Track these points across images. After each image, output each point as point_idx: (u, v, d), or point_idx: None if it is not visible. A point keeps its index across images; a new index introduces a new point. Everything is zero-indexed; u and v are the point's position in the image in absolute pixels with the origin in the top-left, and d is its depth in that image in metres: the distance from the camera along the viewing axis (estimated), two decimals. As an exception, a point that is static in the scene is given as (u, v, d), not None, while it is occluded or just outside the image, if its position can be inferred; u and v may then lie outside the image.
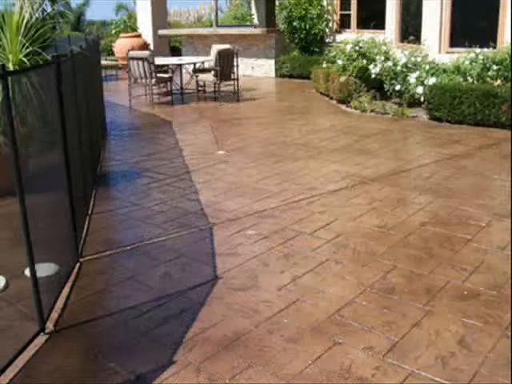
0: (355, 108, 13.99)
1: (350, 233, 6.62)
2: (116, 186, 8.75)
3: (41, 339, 4.62)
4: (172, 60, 17.24)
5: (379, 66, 14.00)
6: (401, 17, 15.87)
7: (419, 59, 13.42)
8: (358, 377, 4.04)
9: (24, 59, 7.59)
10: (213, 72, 15.58)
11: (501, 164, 9.14)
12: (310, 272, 5.65)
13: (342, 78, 14.40)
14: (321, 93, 16.41)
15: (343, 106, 14.52)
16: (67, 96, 5.83)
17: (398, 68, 13.62)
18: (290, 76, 19.79)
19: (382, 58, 14.12)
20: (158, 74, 15.40)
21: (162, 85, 16.60)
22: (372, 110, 13.59)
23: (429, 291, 5.22)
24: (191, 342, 4.52)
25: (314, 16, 18.88)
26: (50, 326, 4.80)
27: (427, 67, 13.01)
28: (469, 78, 12.28)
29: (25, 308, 5.04)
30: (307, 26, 18.84)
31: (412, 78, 13.03)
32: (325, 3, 19.21)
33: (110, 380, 4.08)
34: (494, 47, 12.70)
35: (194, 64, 16.72)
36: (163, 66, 16.24)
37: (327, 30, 19.38)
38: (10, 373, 4.18)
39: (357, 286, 5.35)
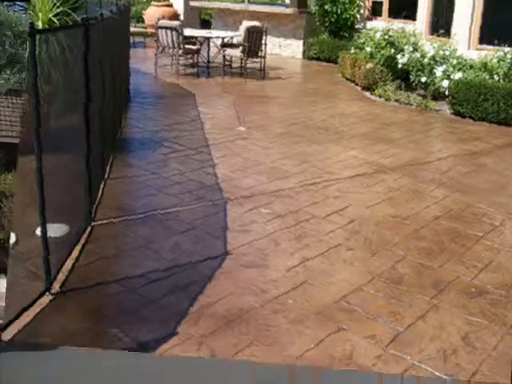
0: (379, 96, 13.90)
1: (364, 220, 6.60)
2: (134, 153, 8.76)
3: (46, 299, 4.65)
4: (201, 32, 17.16)
5: (407, 56, 13.89)
6: (433, 9, 15.72)
7: (447, 53, 13.27)
8: (359, 364, 4.05)
9: (53, 19, 7.58)
10: (240, 48, 15.48)
11: (521, 165, 9.08)
12: (320, 256, 5.65)
13: (369, 65, 14.30)
14: (346, 78, 16.30)
15: (367, 93, 14.43)
16: (93, 59, 5.83)
17: (426, 60, 13.49)
18: (318, 59, 19.65)
19: (411, 48, 14.00)
20: (186, 45, 15.33)
21: (188, 56, 16.53)
22: (396, 100, 13.49)
23: (437, 285, 5.21)
24: (196, 315, 4.54)
25: (346, 1, 18.74)
26: (56, 286, 4.83)
27: (454, 62, 12.88)
28: (495, 76, 12.16)
29: (33, 267, 5.06)
30: (338, 10, 18.69)
31: (438, 71, 12.91)
32: (358, -12, 19.06)
33: (112, 345, 4.11)
34: (525, 47, 12.55)
35: (223, 38, 16.63)
36: (192, 37, 16.17)
37: (358, 16, 19.21)
38: (13, 329, 4.22)
39: (365, 274, 5.35)
